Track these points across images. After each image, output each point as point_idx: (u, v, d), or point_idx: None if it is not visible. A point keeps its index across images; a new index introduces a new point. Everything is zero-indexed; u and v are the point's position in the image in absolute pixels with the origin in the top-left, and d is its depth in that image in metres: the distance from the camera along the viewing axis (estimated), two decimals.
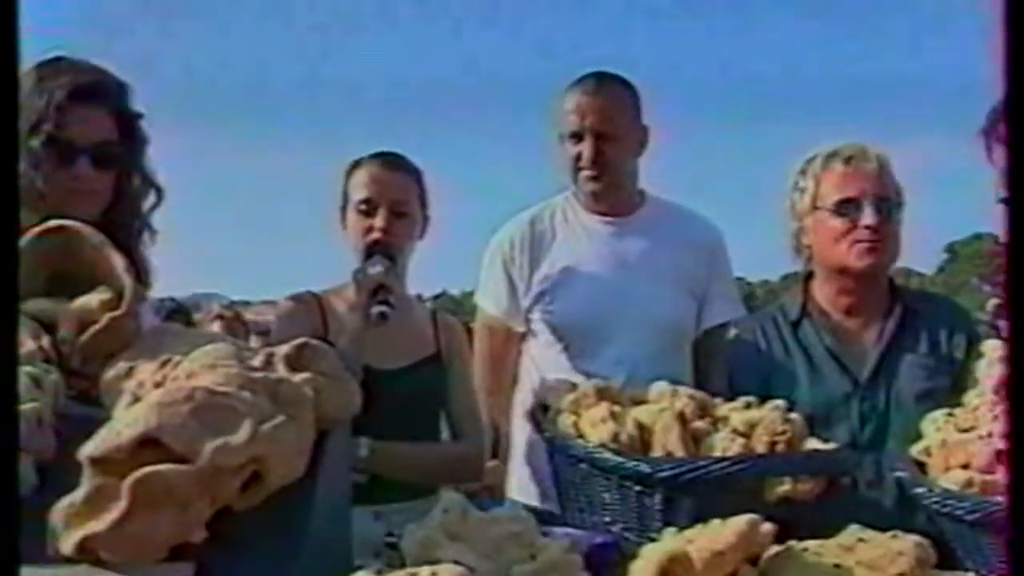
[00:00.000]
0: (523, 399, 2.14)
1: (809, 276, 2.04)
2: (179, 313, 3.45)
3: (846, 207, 1.88)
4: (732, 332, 2.12)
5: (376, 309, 1.75)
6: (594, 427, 1.40)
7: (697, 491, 1.29)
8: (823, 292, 1.98)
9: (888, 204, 1.89)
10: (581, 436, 1.43)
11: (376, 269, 1.80)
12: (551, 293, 2.09)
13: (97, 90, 1.55)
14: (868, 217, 1.86)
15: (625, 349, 1.98)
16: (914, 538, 0.95)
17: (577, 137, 2.07)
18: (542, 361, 2.11)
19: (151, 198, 1.64)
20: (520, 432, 2.11)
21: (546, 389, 1.64)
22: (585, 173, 2.08)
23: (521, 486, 2.07)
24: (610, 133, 2.05)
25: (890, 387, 1.85)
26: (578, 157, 2.07)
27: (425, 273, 1.92)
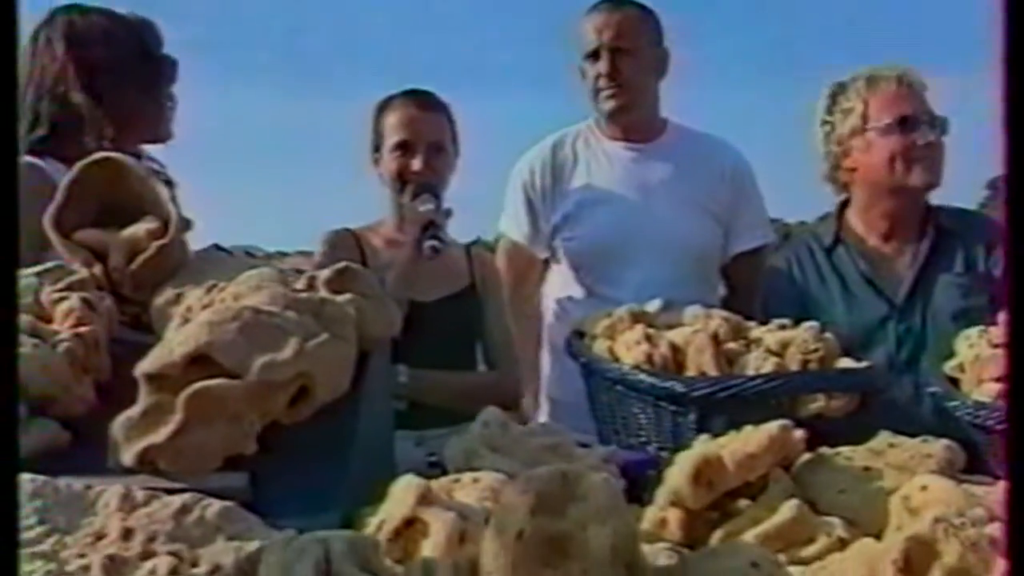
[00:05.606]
0: (546, 327, 2.18)
1: (843, 205, 2.04)
2: None
3: (903, 125, 1.87)
4: (765, 258, 2.13)
5: (429, 243, 1.82)
6: (628, 350, 1.42)
7: (731, 409, 1.31)
8: (862, 217, 1.98)
9: (941, 123, 1.88)
10: (616, 360, 1.45)
11: (427, 207, 1.87)
12: (573, 219, 2.11)
13: None
14: (926, 135, 1.86)
15: (647, 274, 1.99)
16: (943, 441, 0.97)
17: (595, 56, 2.07)
18: (564, 288, 2.14)
19: None
20: (545, 363, 2.15)
21: (581, 318, 1.66)
22: (604, 91, 2.08)
23: (550, 415, 2.11)
24: (626, 48, 2.06)
25: (926, 308, 1.85)
26: (597, 77, 2.08)
27: (458, 219, 1.97)
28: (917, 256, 1.90)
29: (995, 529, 0.66)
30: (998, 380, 1.25)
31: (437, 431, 1.66)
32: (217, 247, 2.61)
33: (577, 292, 2.10)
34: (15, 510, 0.48)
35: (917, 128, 1.87)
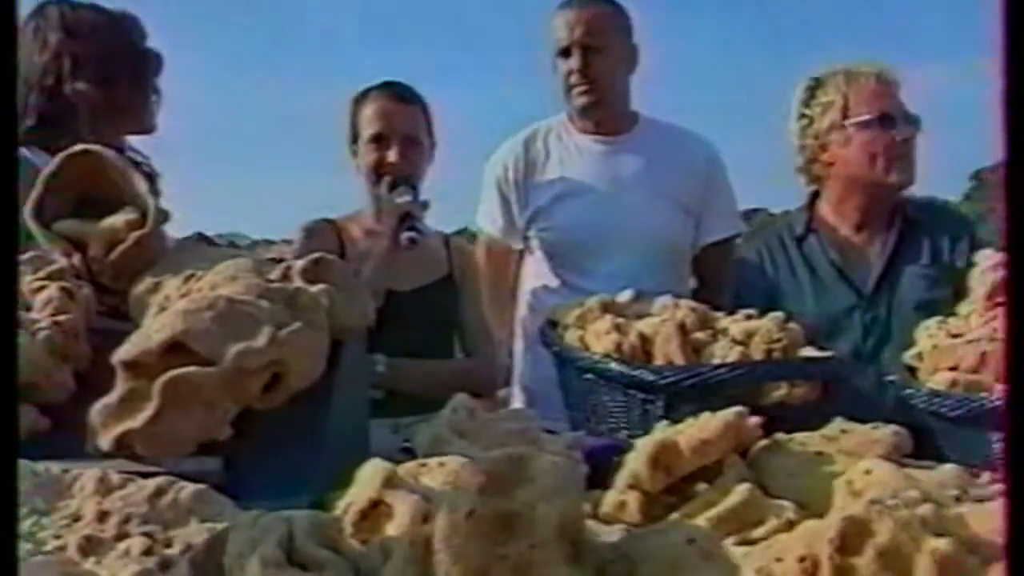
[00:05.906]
0: (521, 318, 2.22)
1: (815, 195, 2.07)
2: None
3: (882, 122, 1.91)
4: (734, 248, 2.17)
5: (406, 235, 1.86)
6: (599, 339, 1.46)
7: (697, 397, 1.34)
8: (835, 209, 2.01)
9: (914, 120, 1.92)
10: (587, 349, 1.49)
11: (404, 199, 1.91)
12: (546, 212, 2.15)
13: None
14: (904, 132, 1.90)
15: (619, 265, 2.03)
16: (892, 428, 1.01)
17: (566, 53, 2.10)
18: (538, 279, 2.18)
19: None
20: (519, 352, 2.19)
21: (553, 308, 1.69)
22: (575, 88, 2.12)
23: (525, 403, 2.14)
24: (597, 46, 2.09)
25: (892, 298, 1.89)
26: (569, 73, 2.11)
27: (444, 209, 2.01)
28: (886, 246, 1.94)
29: (927, 510, 0.70)
30: (952, 369, 1.29)
31: (414, 418, 1.69)
32: (200, 235, 2.64)
33: (551, 283, 2.14)
34: (14, 496, 0.50)
35: (896, 125, 1.90)
